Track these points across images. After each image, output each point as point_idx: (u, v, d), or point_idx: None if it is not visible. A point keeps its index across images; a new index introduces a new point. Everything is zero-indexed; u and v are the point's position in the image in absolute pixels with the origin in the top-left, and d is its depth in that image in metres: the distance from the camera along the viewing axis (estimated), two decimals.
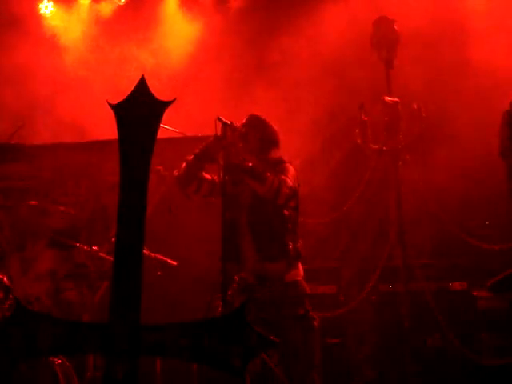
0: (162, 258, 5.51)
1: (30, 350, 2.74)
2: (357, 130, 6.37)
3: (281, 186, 3.93)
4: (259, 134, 4.21)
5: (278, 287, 4.01)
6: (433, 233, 6.63)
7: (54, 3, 7.52)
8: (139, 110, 2.83)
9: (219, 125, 3.99)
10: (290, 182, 4.00)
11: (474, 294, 5.96)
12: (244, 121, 4.24)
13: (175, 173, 4.22)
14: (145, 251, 4.82)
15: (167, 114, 2.85)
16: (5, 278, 4.83)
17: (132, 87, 2.87)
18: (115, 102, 2.87)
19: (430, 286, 6.01)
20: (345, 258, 6.61)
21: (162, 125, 2.88)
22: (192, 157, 4.13)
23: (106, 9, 7.39)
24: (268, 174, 3.95)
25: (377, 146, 6.37)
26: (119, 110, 2.86)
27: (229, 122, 4.01)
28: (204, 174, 4.19)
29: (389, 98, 6.26)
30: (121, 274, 2.72)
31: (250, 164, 3.98)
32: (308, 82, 6.63)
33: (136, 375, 2.68)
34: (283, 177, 4.00)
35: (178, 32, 7.22)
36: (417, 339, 5.88)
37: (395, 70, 6.38)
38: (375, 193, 6.64)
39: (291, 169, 4.15)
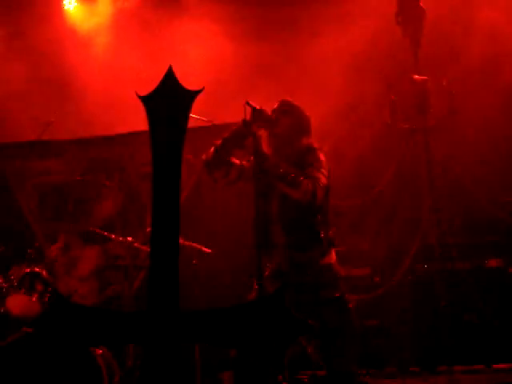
0: (196, 246, 5.53)
1: (71, 341, 2.78)
2: (386, 110, 6.31)
3: (316, 188, 3.83)
4: (290, 120, 4.14)
5: (312, 272, 3.99)
6: (467, 211, 6.56)
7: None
8: (168, 101, 2.84)
9: (249, 110, 3.95)
10: (323, 180, 3.90)
11: (511, 270, 5.90)
12: (276, 106, 4.19)
13: (203, 157, 4.19)
14: (179, 240, 4.84)
15: (196, 103, 2.85)
16: (44, 272, 4.90)
17: (160, 78, 2.88)
18: (144, 93, 2.88)
19: (466, 264, 5.96)
20: (378, 240, 6.58)
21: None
22: (220, 141, 4.09)
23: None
24: (301, 179, 3.85)
25: (407, 125, 6.32)
26: (148, 101, 2.87)
27: (258, 107, 3.96)
28: (232, 158, 4.16)
29: (417, 76, 6.19)
30: (158, 263, 2.75)
31: (282, 170, 3.90)
32: (336, 64, 6.58)
33: (176, 362, 2.71)
34: (316, 174, 3.89)
35: (205, 21, 7.20)
36: (454, 318, 5.84)
37: (422, 48, 6.30)
38: (407, 172, 6.59)
39: (322, 158, 4.03)
